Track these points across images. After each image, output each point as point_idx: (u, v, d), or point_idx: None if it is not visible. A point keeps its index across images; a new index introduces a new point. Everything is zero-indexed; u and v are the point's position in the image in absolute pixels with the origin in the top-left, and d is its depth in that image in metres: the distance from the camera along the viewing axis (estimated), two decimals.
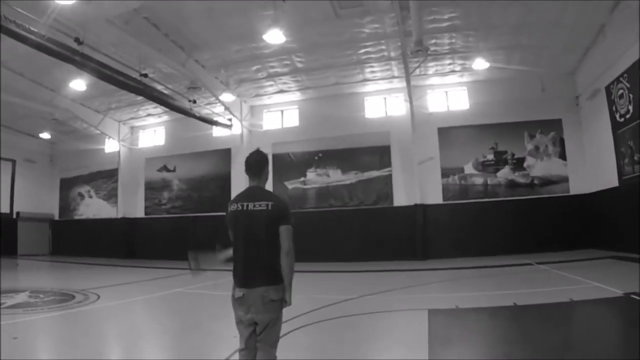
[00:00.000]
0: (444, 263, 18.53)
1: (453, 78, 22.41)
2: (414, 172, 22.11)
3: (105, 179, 30.49)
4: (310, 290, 12.92)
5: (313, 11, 16.44)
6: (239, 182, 23.38)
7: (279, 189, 24.13)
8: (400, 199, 22.63)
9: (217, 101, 23.37)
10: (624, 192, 16.91)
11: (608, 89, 17.82)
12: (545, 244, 19.62)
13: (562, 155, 21.11)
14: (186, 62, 19.58)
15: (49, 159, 33.09)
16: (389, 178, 23.07)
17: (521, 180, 21.44)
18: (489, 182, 21.80)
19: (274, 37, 15.85)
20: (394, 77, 22.22)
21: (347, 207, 23.52)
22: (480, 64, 19.68)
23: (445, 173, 22.30)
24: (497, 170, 21.79)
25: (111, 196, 30.12)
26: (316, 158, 24.39)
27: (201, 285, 13.59)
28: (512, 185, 21.54)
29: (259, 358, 3.86)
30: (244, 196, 4.08)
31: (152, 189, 28.62)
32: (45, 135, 29.91)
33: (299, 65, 21.01)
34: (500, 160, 21.79)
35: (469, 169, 22.11)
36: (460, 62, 20.76)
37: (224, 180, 25.46)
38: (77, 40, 14.70)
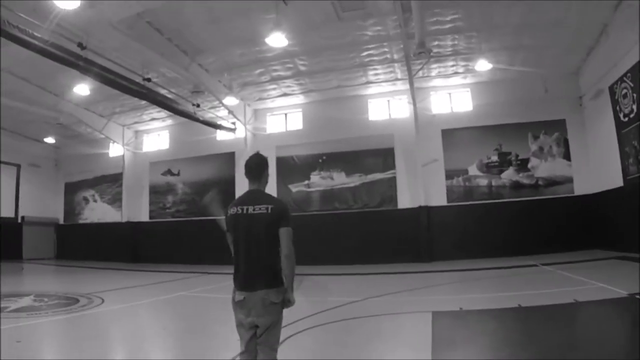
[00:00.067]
0: (448, 265, 18.49)
1: (456, 80, 22.39)
2: (418, 174, 22.08)
3: (110, 183, 30.56)
4: (315, 293, 12.95)
5: (315, 14, 16.43)
6: (243, 186, 22.84)
7: (283, 192, 24.15)
8: (405, 201, 22.60)
9: (220, 105, 23.35)
10: (629, 192, 16.81)
11: (612, 89, 17.75)
12: (550, 244, 19.54)
13: (567, 156, 21.03)
14: (189, 66, 19.61)
15: (54, 164, 33.18)
16: (393, 180, 23.03)
17: (525, 181, 21.38)
18: (493, 183, 21.75)
19: (277, 40, 15.84)
20: (397, 79, 22.19)
21: (351, 210, 23.49)
22: (483, 65, 19.66)
23: (449, 175, 22.26)
24: (502, 171, 21.74)
25: (116, 200, 30.19)
26: (320, 161, 24.37)
27: (204, 289, 13.59)
28: (516, 186, 21.49)
29: None
30: (244, 199, 4.11)
31: (157, 192, 28.66)
32: (50, 140, 30.04)
33: (302, 68, 21.01)
34: (504, 161, 21.74)
35: (473, 170, 22.06)
36: (463, 63, 20.72)
37: (228, 184, 25.41)
38: (80, 45, 14.75)
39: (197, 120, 22.38)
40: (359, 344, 6.91)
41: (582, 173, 20.61)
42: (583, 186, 20.45)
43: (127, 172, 29.13)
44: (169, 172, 28.40)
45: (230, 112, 23.89)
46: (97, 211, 31.23)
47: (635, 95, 15.96)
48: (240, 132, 25.18)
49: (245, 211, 3.98)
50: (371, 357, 6.42)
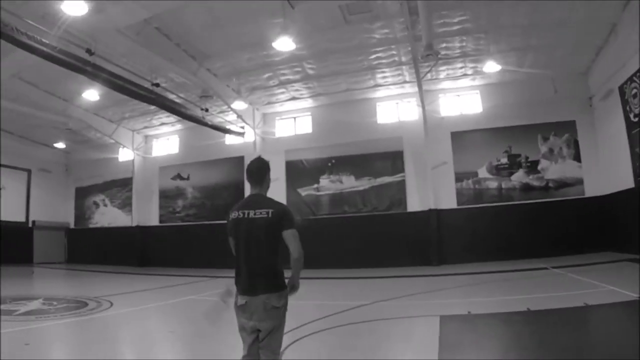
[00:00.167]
0: (458, 268, 18.41)
1: (465, 82, 22.29)
2: (428, 177, 22.02)
3: (120, 187, 30.72)
4: (324, 297, 12.92)
5: (322, 17, 16.45)
6: None
7: (292, 196, 24.21)
8: (414, 204, 22.53)
9: (229, 109, 23.42)
10: None
11: (621, 89, 17.58)
12: (561, 247, 19.38)
13: (577, 157, 20.86)
14: (198, 71, 19.67)
15: (64, 169, 33.42)
16: (402, 183, 22.97)
17: (536, 183, 21.25)
18: (503, 185, 21.64)
19: (284, 44, 15.87)
20: (405, 82, 22.13)
21: (360, 214, 23.45)
22: (492, 66, 19.57)
23: (459, 177, 22.17)
24: (511, 173, 21.62)
25: (126, 205, 30.31)
26: (329, 164, 24.36)
27: (213, 293, 13.58)
28: (526, 188, 21.36)
29: None
30: (245, 204, 4.12)
31: (166, 197, 28.76)
32: (60, 145, 30.26)
33: (310, 72, 21.02)
34: (514, 163, 21.61)
35: (482, 173, 21.96)
36: (471, 65, 20.63)
37: (238, 188, 25.43)
38: (88, 51, 14.82)
39: (205, 124, 22.40)
40: (365, 348, 6.89)
41: (592, 174, 20.43)
42: (594, 188, 20.27)
43: (136, 177, 29.26)
44: (179, 176, 28.49)
45: (239, 116, 23.96)
46: (108, 215, 31.41)
47: None
48: (250, 137, 25.21)
49: (246, 215, 4.00)
50: None
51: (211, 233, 23.20)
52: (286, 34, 15.27)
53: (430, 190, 21.89)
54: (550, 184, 21.03)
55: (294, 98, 24.06)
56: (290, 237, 3.91)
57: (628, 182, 17.50)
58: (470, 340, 7.17)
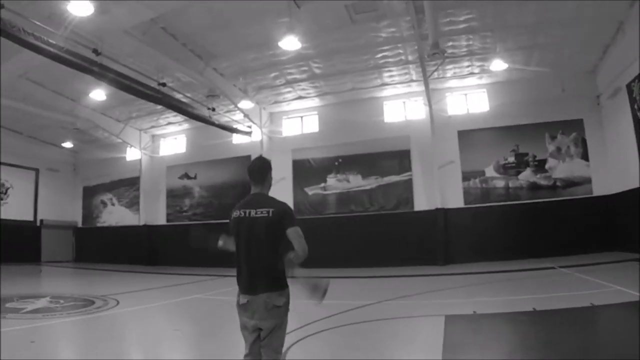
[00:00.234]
0: (465, 268, 18.37)
1: (472, 80, 22.23)
2: (435, 176, 21.97)
3: (127, 186, 30.85)
4: (330, 296, 12.87)
5: (328, 17, 16.45)
6: None
7: (299, 195, 24.24)
8: (421, 203, 22.50)
9: (236, 109, 23.47)
10: None
11: (629, 87, 17.44)
12: (569, 246, 19.27)
13: (585, 156, 20.74)
14: (204, 70, 19.71)
15: (72, 168, 33.60)
16: (409, 182, 22.93)
17: (543, 182, 21.15)
18: (510, 185, 21.55)
19: (290, 44, 15.88)
20: (412, 80, 22.10)
21: (367, 213, 23.44)
22: (499, 65, 19.46)
23: (466, 176, 22.10)
24: (519, 172, 21.53)
25: (133, 204, 30.43)
26: (336, 164, 24.36)
27: (220, 291, 13.63)
28: (534, 187, 21.27)
29: None
30: (247, 203, 4.13)
31: (174, 196, 28.86)
32: (68, 145, 30.40)
33: (317, 71, 21.02)
34: (521, 162, 21.52)
35: (490, 172, 21.89)
36: (478, 64, 20.56)
37: (245, 187, 25.20)
38: (95, 51, 14.89)
39: (212, 124, 22.44)
40: (369, 348, 6.86)
41: (600, 173, 20.31)
42: (602, 187, 20.15)
43: (144, 176, 29.37)
44: (186, 175, 28.57)
45: (245, 115, 24.00)
46: (115, 214, 31.55)
47: None
48: (256, 136, 25.25)
49: (247, 214, 4.01)
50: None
51: (219, 232, 23.22)
52: (292, 33, 15.29)
53: (437, 189, 21.84)
54: (558, 183, 20.93)
55: (300, 97, 24.06)
56: (294, 234, 3.89)
57: (636, 181, 17.34)
58: (475, 340, 7.13)
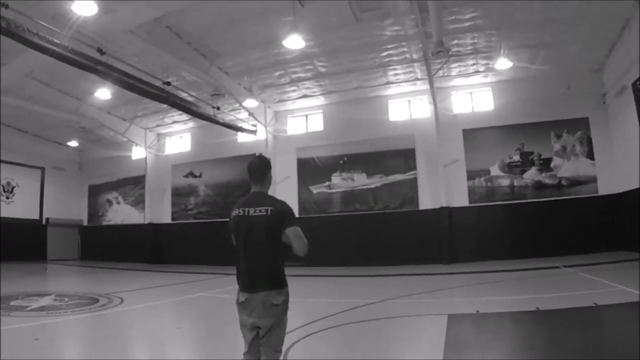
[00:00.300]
0: (470, 266, 18.35)
1: (477, 79, 22.15)
2: (440, 175, 21.93)
3: (133, 185, 30.96)
4: (333, 295, 12.94)
5: (333, 15, 16.42)
6: None
7: (304, 193, 24.26)
8: (426, 202, 22.46)
9: (241, 107, 23.48)
10: None
11: (635, 85, 17.30)
12: (574, 246, 19.21)
13: (590, 155, 20.64)
14: (209, 69, 19.73)
15: (78, 167, 33.75)
16: (414, 181, 22.89)
17: (548, 181, 21.07)
18: (515, 183, 21.48)
19: (295, 42, 15.85)
20: (417, 79, 22.02)
21: (372, 211, 23.42)
22: (504, 63, 19.34)
23: (470, 175, 22.04)
24: (524, 171, 21.44)
25: (138, 202, 30.54)
26: (341, 162, 24.34)
27: (224, 290, 13.66)
28: (539, 186, 21.18)
29: None
30: (246, 202, 4.15)
31: (179, 194, 28.91)
32: (73, 144, 30.49)
33: (322, 69, 21.00)
34: (526, 161, 21.44)
35: (495, 170, 21.81)
36: (483, 62, 20.47)
37: (250, 186, 25.41)
38: (99, 50, 14.92)
39: (217, 122, 22.47)
40: (370, 347, 6.88)
41: (606, 172, 20.18)
42: (607, 186, 20.04)
43: (149, 175, 29.43)
44: (191, 174, 28.62)
45: (250, 114, 23.99)
46: (121, 213, 31.67)
47: None
48: (261, 134, 25.24)
49: (246, 213, 4.02)
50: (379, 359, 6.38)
51: (223, 230, 23.28)
52: (296, 32, 15.29)
53: (442, 188, 21.80)
54: (563, 182, 20.83)
55: (305, 96, 24.03)
56: (293, 233, 3.90)
57: None
58: (477, 339, 7.14)
